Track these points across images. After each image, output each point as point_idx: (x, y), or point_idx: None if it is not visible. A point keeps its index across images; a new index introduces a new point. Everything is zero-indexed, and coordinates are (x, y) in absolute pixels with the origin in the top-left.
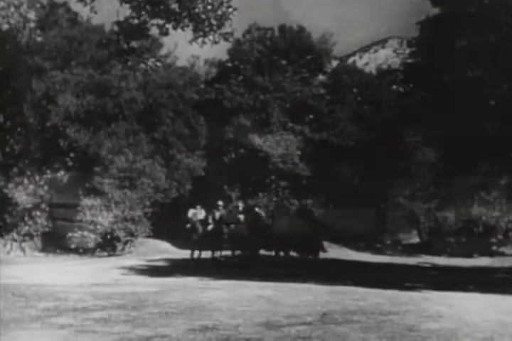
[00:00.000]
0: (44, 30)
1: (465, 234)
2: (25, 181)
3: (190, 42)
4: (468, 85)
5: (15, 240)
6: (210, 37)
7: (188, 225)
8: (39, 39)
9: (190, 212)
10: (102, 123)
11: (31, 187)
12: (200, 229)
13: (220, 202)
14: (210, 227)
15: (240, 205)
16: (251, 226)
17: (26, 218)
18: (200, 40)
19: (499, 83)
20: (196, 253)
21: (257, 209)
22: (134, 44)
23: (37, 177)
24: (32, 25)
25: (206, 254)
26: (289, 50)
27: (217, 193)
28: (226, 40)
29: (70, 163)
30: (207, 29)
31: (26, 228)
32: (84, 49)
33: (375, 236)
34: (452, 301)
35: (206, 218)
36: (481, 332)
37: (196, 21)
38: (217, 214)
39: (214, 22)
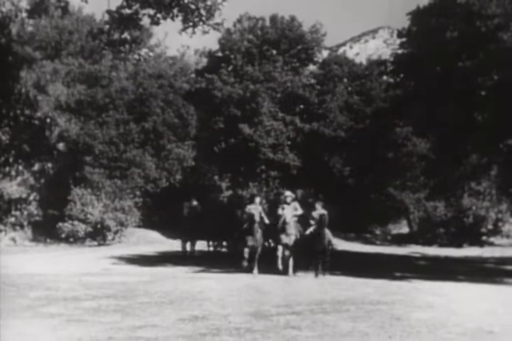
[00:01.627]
0: (35, 19)
1: (455, 224)
2: (15, 171)
3: (180, 32)
4: (458, 76)
5: (5, 230)
6: (200, 27)
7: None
8: (30, 29)
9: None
10: (93, 113)
11: (21, 177)
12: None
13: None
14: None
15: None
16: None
17: (16, 208)
18: (189, 30)
19: (490, 74)
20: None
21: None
22: (125, 34)
23: (27, 167)
24: (24, 14)
25: None
26: (280, 40)
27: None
28: (216, 30)
29: (61, 153)
30: (196, 19)
31: (16, 218)
32: (75, 39)
33: (364, 226)
34: (442, 291)
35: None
36: (471, 321)
37: (186, 12)
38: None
39: (203, 12)
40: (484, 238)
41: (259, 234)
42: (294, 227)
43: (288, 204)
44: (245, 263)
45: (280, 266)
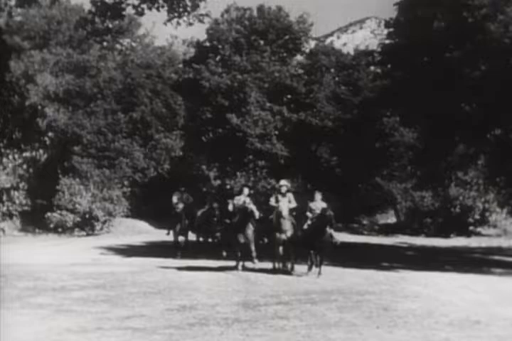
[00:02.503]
0: (23, 9)
1: (442, 214)
2: (4, 160)
3: (165, 23)
4: (446, 66)
5: None
6: (185, 18)
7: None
8: (18, 18)
9: (175, 198)
10: (81, 102)
11: (10, 166)
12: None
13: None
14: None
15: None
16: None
17: (5, 198)
18: (174, 21)
19: (477, 64)
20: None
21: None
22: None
23: (16, 157)
24: (12, 3)
25: None
26: (268, 30)
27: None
28: (201, 21)
29: (49, 143)
30: (181, 10)
31: (5, 207)
32: (63, 29)
33: (352, 216)
34: (429, 281)
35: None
36: (458, 311)
37: (171, 2)
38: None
39: (188, 3)
40: (471, 228)
41: (250, 229)
42: (289, 222)
43: (283, 195)
44: (240, 267)
45: (277, 265)
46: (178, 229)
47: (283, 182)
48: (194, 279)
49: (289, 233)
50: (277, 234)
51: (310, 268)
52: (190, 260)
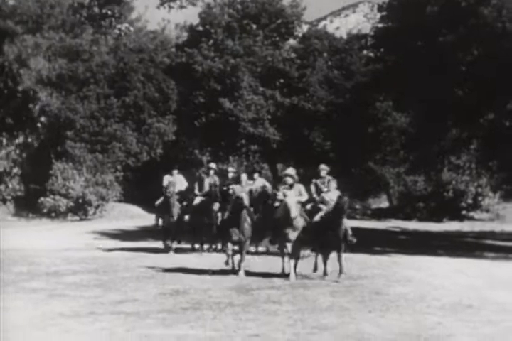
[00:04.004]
0: None
1: (435, 198)
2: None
3: (158, 6)
4: (438, 50)
5: None
6: (177, 1)
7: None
8: (11, 2)
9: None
10: (74, 87)
11: (3, 151)
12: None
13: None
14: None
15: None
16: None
17: (1, 182)
18: (167, 4)
19: (470, 48)
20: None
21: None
22: (105, 9)
23: (9, 142)
24: None
25: None
26: (260, 14)
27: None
28: (193, 4)
29: (42, 127)
30: None
31: (0, 192)
32: (56, 13)
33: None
34: (421, 265)
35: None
36: (450, 295)
37: None
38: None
39: None
40: (464, 212)
41: (247, 223)
42: (301, 218)
43: (290, 186)
44: (229, 263)
45: (289, 270)
46: (167, 217)
47: (289, 170)
48: (187, 263)
49: (299, 230)
50: (285, 231)
51: (325, 273)
52: (183, 244)
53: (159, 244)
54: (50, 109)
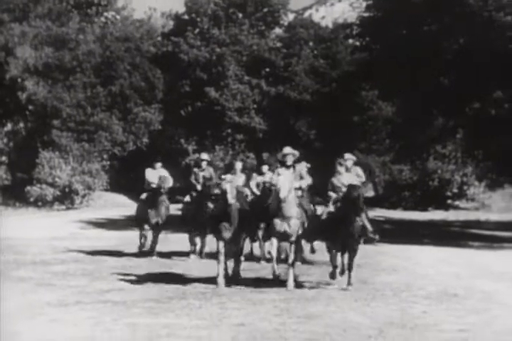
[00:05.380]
0: None
1: (420, 187)
2: None
3: None
4: (424, 39)
5: None
6: None
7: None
8: None
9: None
10: (60, 76)
11: None
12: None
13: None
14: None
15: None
16: None
17: None
18: None
19: (456, 37)
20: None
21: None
22: None
23: None
24: None
25: None
26: (246, 3)
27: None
28: None
29: (29, 116)
30: None
31: None
32: (42, 1)
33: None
34: (407, 254)
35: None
36: (435, 284)
37: None
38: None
39: None
40: (449, 201)
41: (236, 218)
42: (295, 206)
43: (287, 167)
44: (221, 270)
45: (277, 271)
46: (151, 221)
47: (287, 149)
48: (173, 253)
49: (294, 222)
50: (276, 222)
51: (334, 275)
52: (171, 234)
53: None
54: (37, 98)
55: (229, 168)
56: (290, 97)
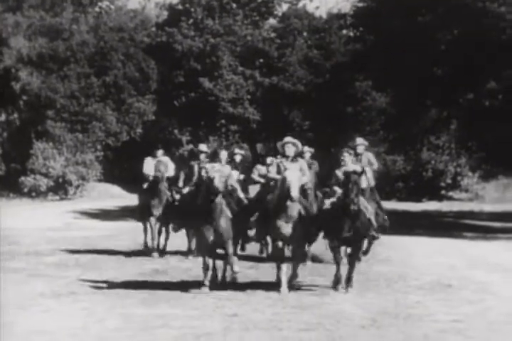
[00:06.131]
0: None
1: (414, 178)
2: None
3: None
4: (418, 30)
5: None
6: None
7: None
8: None
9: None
10: (54, 66)
11: None
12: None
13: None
14: None
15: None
16: None
17: None
18: None
19: (450, 28)
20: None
21: None
22: None
23: None
24: None
25: None
26: None
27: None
28: None
29: (23, 107)
30: None
31: None
32: None
33: (323, 180)
34: (400, 245)
35: None
36: (429, 275)
37: None
38: None
39: None
40: (443, 192)
41: (225, 218)
42: (298, 205)
43: (292, 160)
44: (206, 282)
45: (284, 277)
46: (154, 211)
47: (288, 138)
48: (167, 243)
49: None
50: (278, 223)
51: (337, 281)
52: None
53: (138, 224)
54: (31, 88)
55: (213, 157)
56: (284, 88)
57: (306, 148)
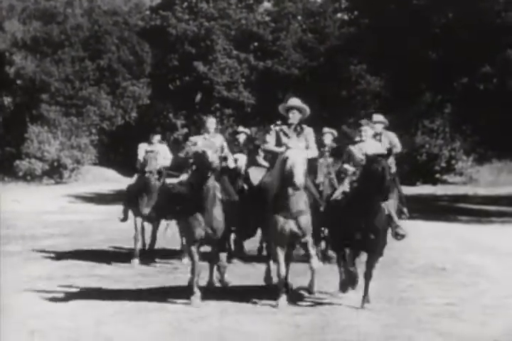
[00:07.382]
0: None
1: (408, 162)
2: None
3: None
4: (412, 13)
5: None
6: None
7: None
8: None
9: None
10: (49, 50)
11: None
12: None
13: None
14: None
15: None
16: None
17: None
18: None
19: (444, 11)
20: None
21: None
22: None
23: None
24: None
25: None
26: None
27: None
28: None
29: (17, 90)
30: None
31: None
32: None
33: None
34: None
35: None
36: (424, 258)
37: None
38: None
39: None
40: (437, 176)
41: (218, 207)
42: (304, 195)
43: (297, 132)
44: (196, 290)
45: (281, 276)
46: (143, 209)
47: (294, 101)
48: (162, 227)
49: (305, 219)
50: (279, 220)
51: (344, 286)
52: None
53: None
54: (26, 72)
55: (200, 128)
56: (278, 72)
57: (326, 129)
